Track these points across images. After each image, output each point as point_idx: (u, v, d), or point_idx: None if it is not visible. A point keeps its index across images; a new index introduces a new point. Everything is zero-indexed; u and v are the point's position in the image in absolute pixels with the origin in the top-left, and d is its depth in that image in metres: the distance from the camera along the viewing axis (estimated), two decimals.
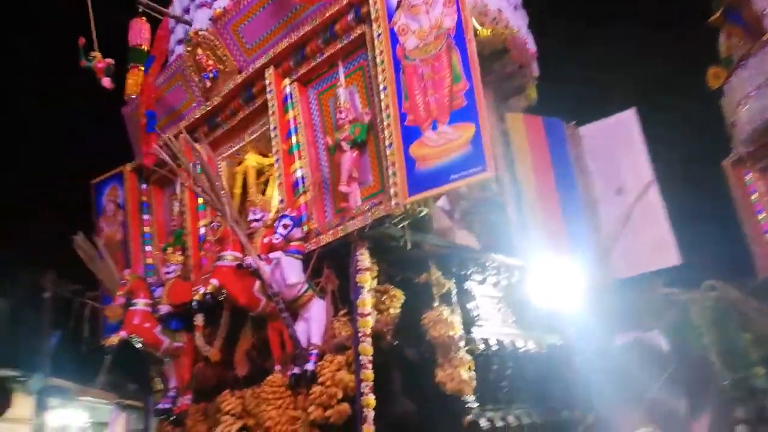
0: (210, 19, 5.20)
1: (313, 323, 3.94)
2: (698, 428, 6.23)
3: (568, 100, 7.39)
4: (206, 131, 5.51)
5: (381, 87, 3.94)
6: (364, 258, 3.81)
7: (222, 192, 3.96)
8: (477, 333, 4.32)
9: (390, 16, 3.97)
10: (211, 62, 5.28)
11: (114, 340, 4.64)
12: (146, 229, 6.17)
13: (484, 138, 3.40)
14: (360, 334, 3.70)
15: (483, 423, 4.18)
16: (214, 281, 3.81)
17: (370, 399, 3.60)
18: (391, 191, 3.74)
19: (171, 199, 6.00)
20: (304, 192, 4.46)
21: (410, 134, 3.72)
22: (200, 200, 5.25)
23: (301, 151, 4.60)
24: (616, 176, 6.07)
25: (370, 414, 3.58)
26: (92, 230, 6.12)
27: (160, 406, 4.95)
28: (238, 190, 5.33)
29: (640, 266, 5.73)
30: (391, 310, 3.98)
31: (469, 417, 4.05)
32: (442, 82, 3.64)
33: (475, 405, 4.07)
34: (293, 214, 4.15)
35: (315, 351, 3.83)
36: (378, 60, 4.00)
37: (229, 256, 3.98)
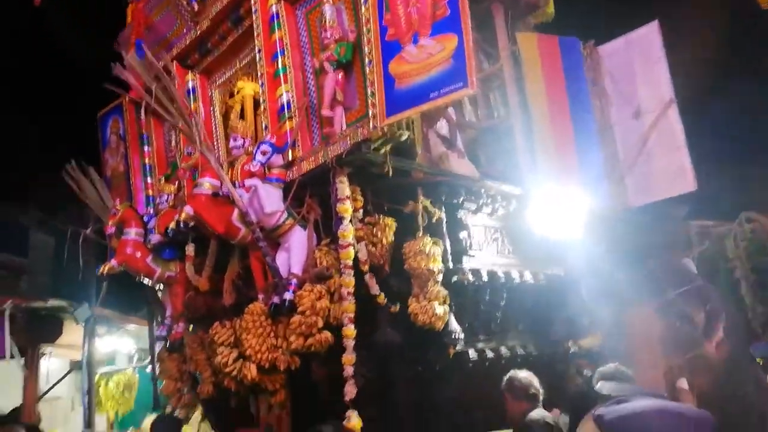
0: None
1: (294, 253, 3.82)
2: (710, 348, 5.96)
3: (589, 17, 6.80)
4: (197, 58, 5.28)
5: None
6: (343, 186, 3.62)
7: (190, 114, 3.76)
8: (468, 263, 4.14)
9: None
10: None
11: (105, 269, 4.64)
12: (146, 160, 6.09)
13: (466, 50, 3.08)
14: (342, 266, 3.56)
15: (471, 354, 4.08)
16: (188, 209, 3.69)
17: (350, 329, 3.51)
18: (370, 113, 3.48)
19: (169, 131, 5.87)
20: (290, 118, 4.23)
21: (390, 50, 3.42)
22: None
23: (287, 75, 4.33)
24: (634, 98, 5.63)
25: (350, 344, 3.51)
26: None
27: (158, 333, 5.02)
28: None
29: (655, 193, 5.38)
30: (384, 241, 3.83)
31: (457, 348, 3.95)
32: None
33: (462, 336, 3.95)
34: (272, 140, 3.96)
35: (294, 281, 3.72)
36: None
37: (206, 183, 3.83)
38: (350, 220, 3.61)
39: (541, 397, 3.39)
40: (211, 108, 5.36)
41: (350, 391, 3.48)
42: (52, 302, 6.75)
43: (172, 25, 5.55)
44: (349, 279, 3.56)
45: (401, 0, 3.40)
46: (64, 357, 8.15)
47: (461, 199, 4.12)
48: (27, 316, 6.61)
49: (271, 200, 3.77)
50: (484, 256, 4.34)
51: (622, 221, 5.60)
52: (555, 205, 4.66)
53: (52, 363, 7.90)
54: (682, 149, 5.23)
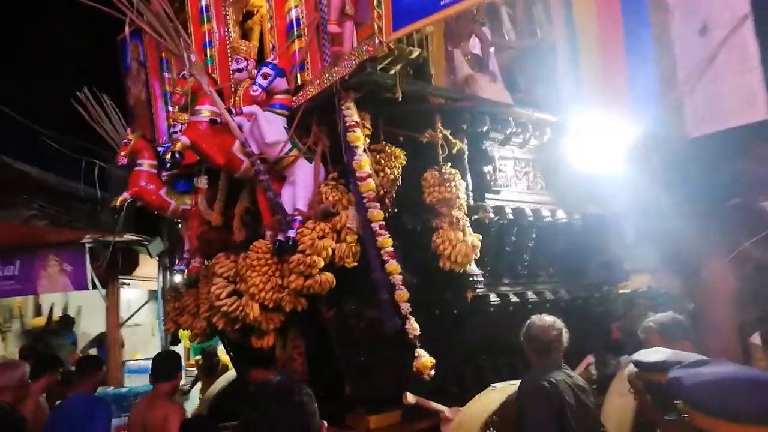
0: None
1: (299, 187, 3.52)
2: None
3: None
4: None
5: None
6: (351, 112, 3.23)
7: (180, 34, 3.40)
8: (492, 200, 3.74)
9: None
10: None
11: (117, 201, 4.50)
12: (167, 87, 5.85)
13: None
14: (365, 200, 3.22)
15: (492, 298, 3.75)
16: (184, 138, 3.41)
17: (393, 265, 3.19)
18: (376, 27, 3.03)
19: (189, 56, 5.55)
20: (299, 36, 3.81)
21: None
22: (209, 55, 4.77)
23: None
24: (700, 11, 4.83)
25: (398, 279, 3.20)
26: None
27: (176, 267, 4.92)
28: (255, 42, 4.76)
29: (720, 122, 4.67)
30: (388, 171, 3.46)
31: (477, 291, 3.62)
32: None
33: (484, 278, 3.62)
34: (275, 62, 3.58)
35: (299, 217, 3.44)
36: None
37: (205, 111, 3.52)
38: (365, 149, 3.24)
39: (562, 348, 2.94)
40: (226, 29, 4.99)
41: (412, 328, 3.21)
42: (128, 236, 6.87)
43: None
44: (377, 212, 3.21)
45: None
46: (142, 288, 8.44)
47: (486, 128, 3.66)
48: (106, 249, 6.74)
49: (273, 129, 3.44)
50: (512, 193, 3.92)
51: (680, 154, 4.98)
52: (598, 134, 4.12)
53: (130, 293, 8.22)
54: (756, 71, 4.47)
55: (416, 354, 3.15)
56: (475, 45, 4.51)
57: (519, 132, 3.86)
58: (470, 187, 3.65)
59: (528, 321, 2.81)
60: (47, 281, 6.71)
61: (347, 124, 3.19)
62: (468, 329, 3.77)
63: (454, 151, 3.61)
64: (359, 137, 3.19)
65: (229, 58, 4.13)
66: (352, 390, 3.64)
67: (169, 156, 3.44)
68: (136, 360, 7.46)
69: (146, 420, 3.00)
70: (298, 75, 3.72)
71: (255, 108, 3.45)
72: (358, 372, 3.65)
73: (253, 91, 3.46)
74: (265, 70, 3.50)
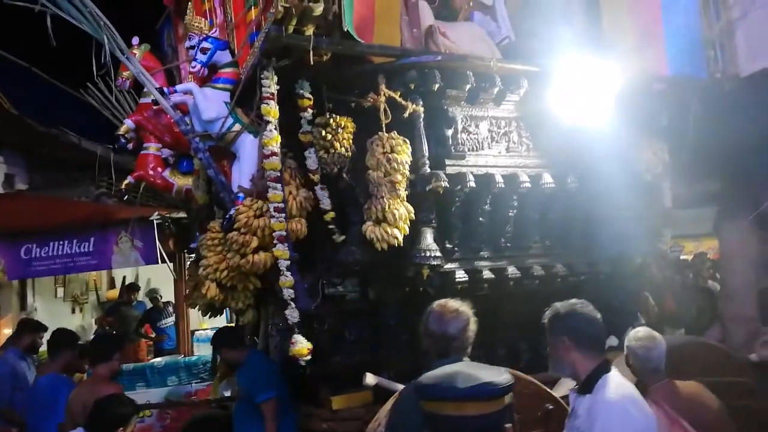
0: None
1: (244, 163, 3.40)
2: None
3: None
4: None
5: None
6: (268, 83, 3.03)
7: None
8: (454, 166, 3.34)
9: None
10: None
11: (123, 185, 4.70)
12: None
13: None
14: (268, 179, 3.08)
15: (459, 274, 3.38)
16: (128, 122, 3.45)
17: (281, 250, 3.08)
18: None
19: None
20: (255, 4, 3.65)
21: None
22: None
23: None
24: None
25: (283, 264, 3.09)
26: None
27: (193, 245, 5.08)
28: None
29: None
30: (337, 145, 3.23)
31: (440, 268, 3.29)
32: None
33: (446, 254, 3.28)
34: (215, 35, 3.46)
35: (241, 195, 3.34)
36: None
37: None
38: (276, 126, 3.06)
39: (468, 343, 2.38)
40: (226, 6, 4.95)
41: (292, 315, 3.11)
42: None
43: None
44: (275, 194, 3.06)
45: None
46: None
47: (437, 87, 3.24)
48: (172, 225, 7.22)
49: (210, 105, 3.34)
50: (484, 157, 3.47)
51: (732, 96, 4.08)
52: (598, 81, 3.48)
53: None
54: None
55: (293, 340, 3.00)
56: None
57: (486, 87, 3.37)
58: (426, 154, 3.28)
59: (428, 308, 2.43)
60: (120, 256, 7.32)
61: (263, 95, 3.01)
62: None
63: (406, 115, 3.25)
64: (271, 110, 3.01)
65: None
66: (313, 370, 3.52)
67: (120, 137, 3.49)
68: (203, 329, 7.93)
69: (87, 404, 3.09)
70: (250, 46, 3.57)
71: (191, 85, 3.38)
72: (319, 351, 3.52)
73: (192, 67, 3.38)
74: (204, 44, 3.40)
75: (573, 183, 3.58)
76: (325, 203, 3.28)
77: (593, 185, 3.65)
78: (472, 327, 2.34)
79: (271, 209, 3.06)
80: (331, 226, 3.31)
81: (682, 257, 6.79)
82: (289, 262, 3.09)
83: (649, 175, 3.95)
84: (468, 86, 3.30)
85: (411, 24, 3.52)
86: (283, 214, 3.07)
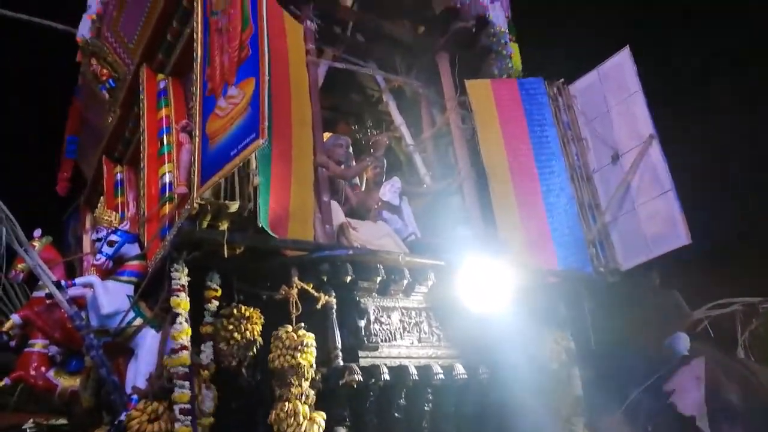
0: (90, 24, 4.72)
1: (141, 361, 3.17)
2: None
3: (566, 61, 5.97)
4: (122, 150, 4.98)
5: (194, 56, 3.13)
6: (177, 275, 2.97)
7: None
8: (368, 358, 3.28)
9: None
10: (105, 71, 4.77)
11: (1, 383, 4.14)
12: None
13: (261, 93, 2.48)
14: (175, 376, 2.86)
15: None
16: (15, 317, 3.19)
17: None
18: (192, 185, 2.89)
19: None
20: (170, 200, 3.72)
21: (208, 107, 2.88)
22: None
23: (171, 154, 3.88)
24: (611, 138, 4.66)
25: None
26: None
27: None
28: None
29: (644, 252, 4.26)
30: (238, 336, 3.09)
31: None
32: (235, 32, 2.77)
33: None
34: (125, 228, 3.44)
35: (135, 397, 3.03)
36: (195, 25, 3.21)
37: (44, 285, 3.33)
38: (186, 318, 2.93)
39: None
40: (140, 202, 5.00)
41: None
42: None
43: (101, 116, 5.36)
44: (183, 393, 2.82)
45: (218, 48, 2.88)
46: None
47: (349, 279, 3.32)
48: None
49: (111, 299, 3.19)
50: (397, 348, 3.45)
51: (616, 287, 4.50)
52: (498, 278, 3.72)
53: None
54: (669, 195, 4.14)
55: None
56: (385, 193, 4.35)
57: (396, 279, 3.50)
58: (339, 346, 3.22)
59: None
60: None
61: (172, 288, 2.92)
62: None
63: (318, 306, 3.25)
64: (181, 302, 2.90)
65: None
66: None
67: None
68: None
69: None
70: (161, 240, 3.56)
71: (92, 278, 3.25)
72: None
73: (96, 260, 3.28)
74: (112, 237, 3.36)
75: (485, 374, 3.59)
76: (206, 405, 2.98)
77: (504, 375, 3.67)
78: None
79: (176, 412, 2.77)
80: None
81: None
82: None
83: (555, 364, 4.07)
84: (379, 278, 3.41)
85: (324, 221, 3.71)
86: (190, 417, 2.78)
